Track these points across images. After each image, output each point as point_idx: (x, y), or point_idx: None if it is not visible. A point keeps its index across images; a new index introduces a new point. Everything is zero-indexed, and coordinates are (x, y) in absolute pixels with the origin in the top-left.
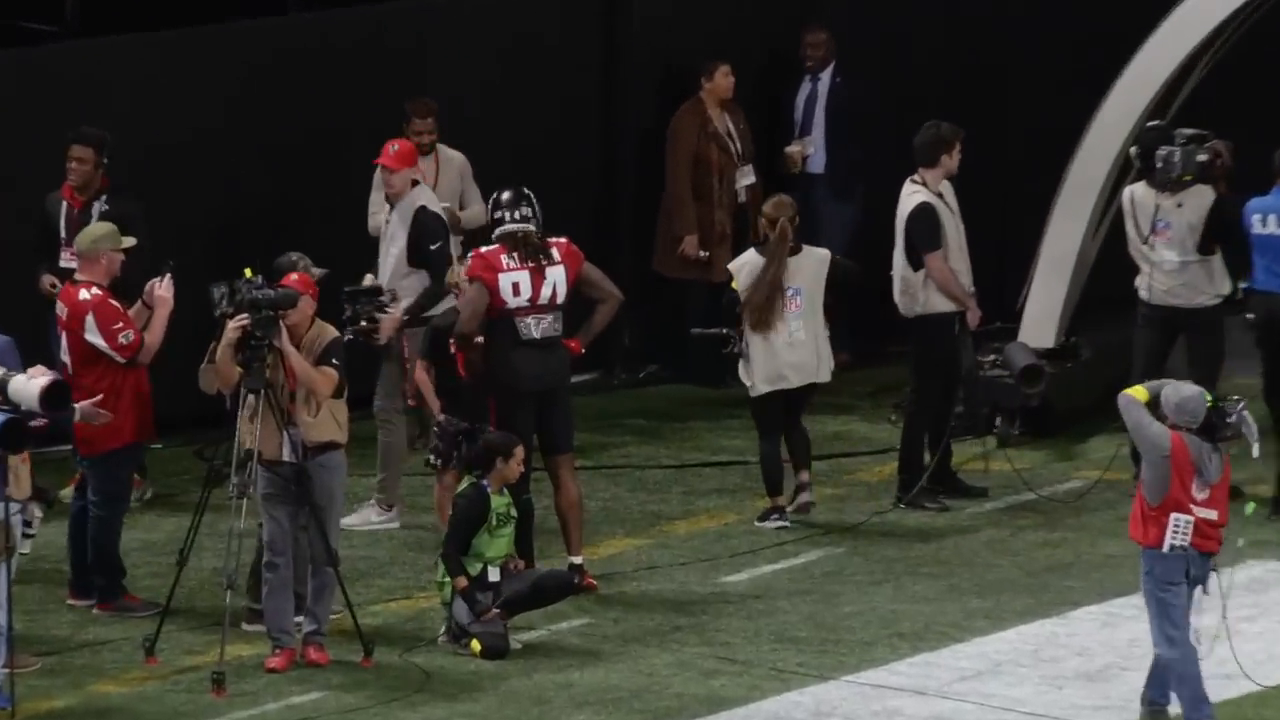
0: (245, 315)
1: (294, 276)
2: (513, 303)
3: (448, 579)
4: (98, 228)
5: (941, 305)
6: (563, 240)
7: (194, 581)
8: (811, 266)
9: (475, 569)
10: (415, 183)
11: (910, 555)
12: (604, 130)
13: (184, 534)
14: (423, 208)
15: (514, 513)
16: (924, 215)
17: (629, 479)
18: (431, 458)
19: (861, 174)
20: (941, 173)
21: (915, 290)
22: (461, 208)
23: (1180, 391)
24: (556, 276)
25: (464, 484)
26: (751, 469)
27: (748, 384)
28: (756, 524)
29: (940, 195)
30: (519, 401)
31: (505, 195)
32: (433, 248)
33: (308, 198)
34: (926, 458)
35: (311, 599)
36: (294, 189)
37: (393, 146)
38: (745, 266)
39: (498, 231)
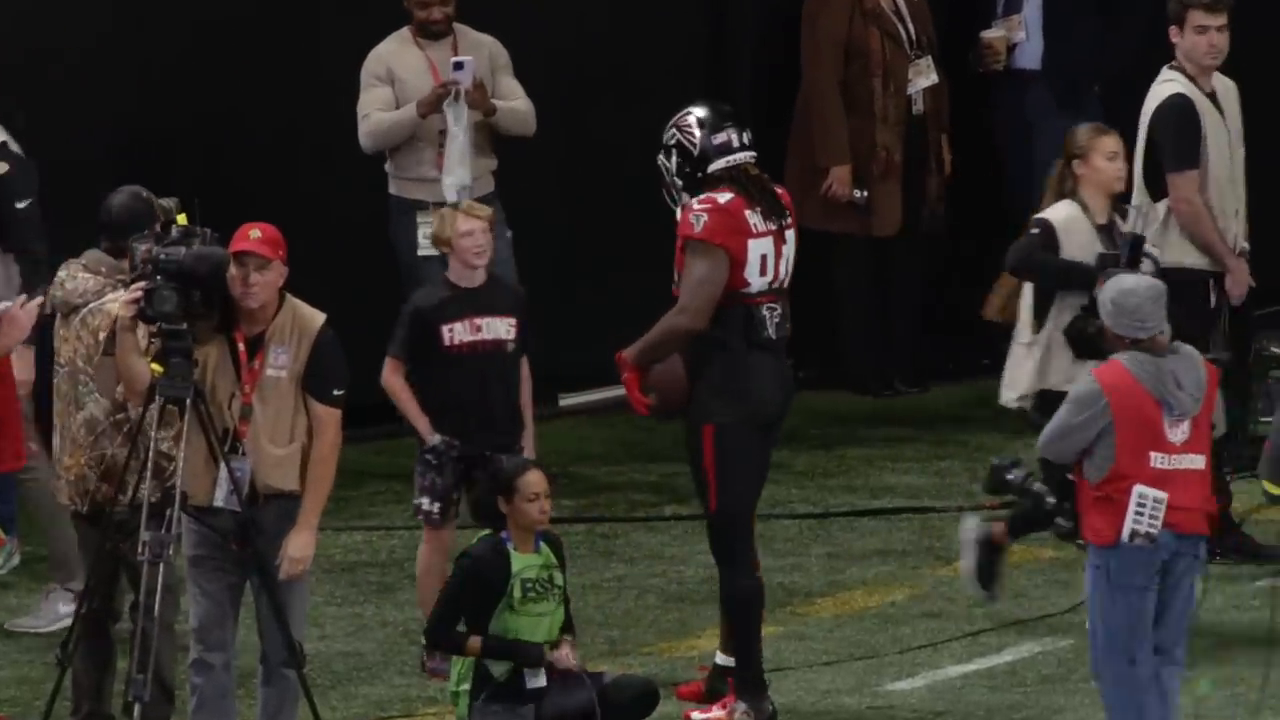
0: (141, 283)
1: (255, 233)
2: (756, 284)
3: (464, 686)
4: None
5: (1187, 258)
6: (781, 188)
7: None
8: None
9: (503, 669)
10: None
11: None
12: (710, 7)
13: (68, 620)
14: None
15: (559, 580)
16: (1175, 114)
17: None
18: (425, 501)
19: (1099, 70)
20: (1219, 39)
21: (1152, 229)
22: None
23: (1120, 284)
24: (791, 245)
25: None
26: (931, 520)
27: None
28: None
29: (1212, 95)
30: (754, 434)
31: (701, 110)
32: (20, 206)
33: (262, 104)
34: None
35: (263, 717)
36: (240, 92)
37: None
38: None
39: (720, 165)
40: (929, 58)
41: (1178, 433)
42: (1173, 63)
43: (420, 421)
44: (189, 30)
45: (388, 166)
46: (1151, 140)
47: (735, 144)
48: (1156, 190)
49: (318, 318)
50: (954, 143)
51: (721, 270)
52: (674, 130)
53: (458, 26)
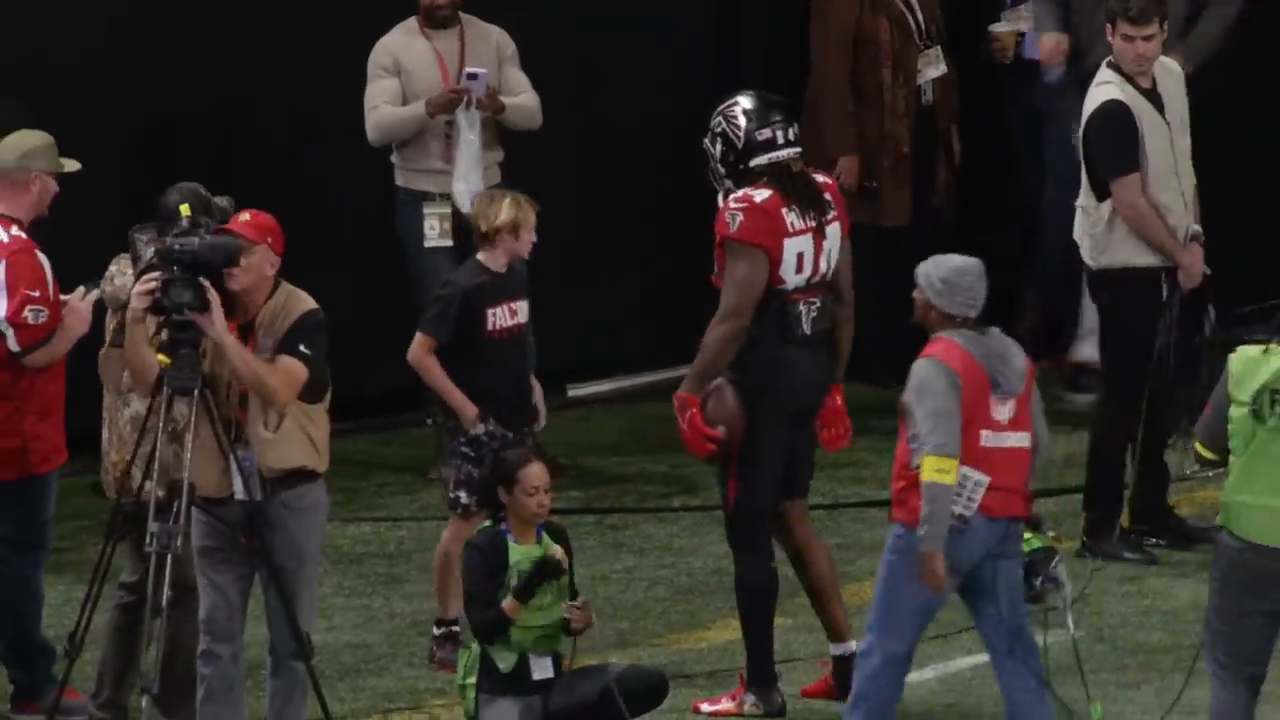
0: (155, 274)
1: (245, 217)
2: (792, 282)
3: (471, 679)
4: (27, 137)
5: (1136, 256)
6: (828, 178)
7: (92, 679)
8: None
9: (508, 661)
10: None
11: (1185, 643)
12: None
13: (76, 609)
14: None
15: (563, 568)
16: (1108, 121)
17: None
18: (463, 494)
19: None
20: (1146, 48)
21: (1098, 230)
22: None
23: (948, 262)
24: (834, 238)
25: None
26: None
27: None
28: None
29: (1151, 90)
30: (783, 427)
31: (749, 101)
32: None
33: (268, 96)
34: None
35: (271, 709)
36: (246, 84)
37: None
38: None
39: (762, 161)
40: (938, 48)
41: (1004, 411)
42: (1110, 58)
43: (467, 409)
44: (195, 22)
45: (394, 158)
46: (1086, 146)
47: (779, 140)
48: (1101, 191)
49: (307, 303)
50: (963, 132)
51: (761, 270)
52: (720, 118)
53: (464, 16)
